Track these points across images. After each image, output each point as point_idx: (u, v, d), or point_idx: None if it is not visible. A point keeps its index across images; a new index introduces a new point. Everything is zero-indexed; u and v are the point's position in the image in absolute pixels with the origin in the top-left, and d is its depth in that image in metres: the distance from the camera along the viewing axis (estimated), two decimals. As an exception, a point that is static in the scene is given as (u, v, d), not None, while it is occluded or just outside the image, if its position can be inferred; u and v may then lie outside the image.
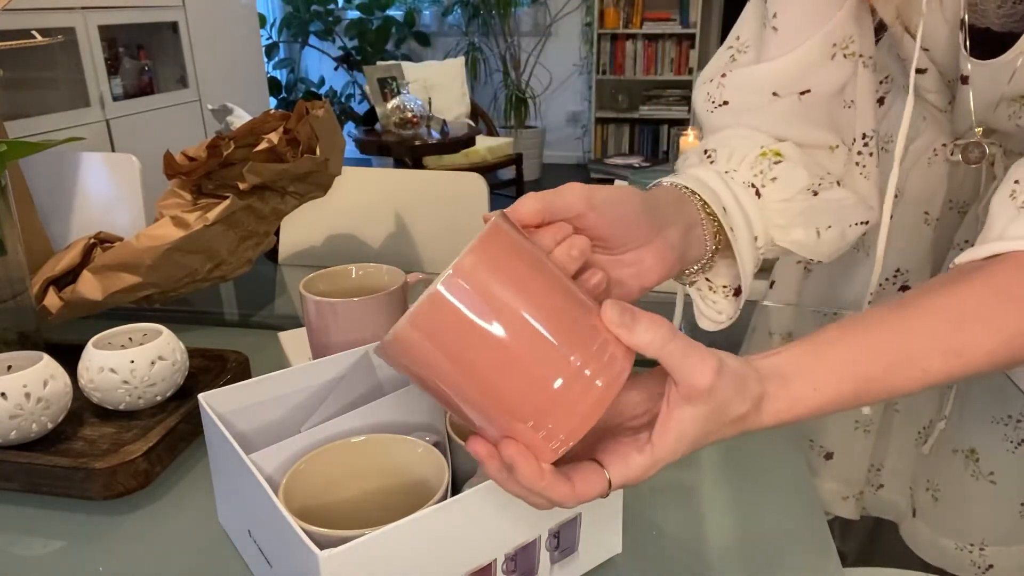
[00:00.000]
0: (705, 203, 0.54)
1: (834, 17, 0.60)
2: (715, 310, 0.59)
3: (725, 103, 0.63)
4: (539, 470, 0.37)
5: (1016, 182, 0.48)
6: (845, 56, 0.61)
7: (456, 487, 0.48)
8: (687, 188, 0.54)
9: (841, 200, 0.62)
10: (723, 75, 0.63)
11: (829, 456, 0.86)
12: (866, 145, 0.65)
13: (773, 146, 0.59)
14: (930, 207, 0.76)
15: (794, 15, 0.60)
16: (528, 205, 0.42)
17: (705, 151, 0.62)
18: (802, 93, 0.61)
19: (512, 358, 0.35)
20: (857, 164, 0.66)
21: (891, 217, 0.75)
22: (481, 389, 0.36)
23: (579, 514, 0.49)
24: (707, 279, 0.59)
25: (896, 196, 0.74)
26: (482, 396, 0.36)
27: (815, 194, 0.60)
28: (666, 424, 0.38)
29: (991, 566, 0.73)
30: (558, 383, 0.35)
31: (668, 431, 0.38)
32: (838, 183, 0.62)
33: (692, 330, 0.86)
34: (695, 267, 0.56)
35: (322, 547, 0.38)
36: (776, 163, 0.58)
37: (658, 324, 0.37)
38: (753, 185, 0.58)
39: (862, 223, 0.63)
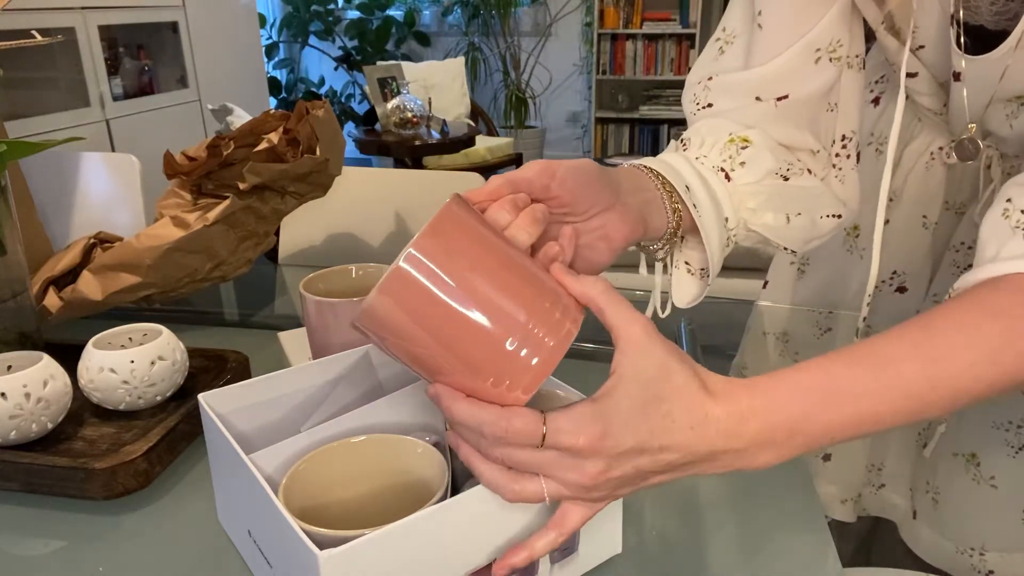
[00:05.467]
0: (665, 180, 0.56)
1: (820, 21, 0.61)
2: (681, 289, 0.62)
3: (709, 105, 0.65)
4: (455, 393, 0.40)
5: (1008, 201, 0.47)
6: (831, 60, 0.63)
7: (456, 487, 0.49)
8: (645, 167, 0.57)
9: (810, 188, 0.63)
10: (710, 78, 0.65)
11: (827, 458, 0.86)
12: (844, 147, 0.67)
13: (741, 133, 0.61)
14: (928, 210, 0.75)
15: (777, 15, 0.62)
16: (493, 183, 0.46)
17: (680, 140, 0.64)
18: (779, 99, 0.63)
19: (467, 324, 0.39)
20: (834, 167, 0.67)
21: (887, 221, 0.75)
22: (442, 353, 0.40)
23: None
24: (685, 262, 0.62)
25: (892, 200, 0.75)
26: (444, 360, 0.40)
27: (785, 179, 0.62)
28: (610, 377, 0.40)
29: (991, 572, 0.73)
30: (510, 344, 0.39)
31: (611, 383, 0.40)
32: (809, 171, 0.64)
33: (693, 344, 0.86)
34: (660, 242, 0.58)
35: (322, 547, 0.38)
36: (743, 148, 0.60)
37: (598, 279, 0.42)
38: (722, 169, 0.60)
39: (834, 216, 0.65)
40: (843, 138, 0.67)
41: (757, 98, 0.63)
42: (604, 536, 0.52)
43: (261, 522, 0.46)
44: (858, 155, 0.69)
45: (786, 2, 0.62)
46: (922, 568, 0.78)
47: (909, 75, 0.68)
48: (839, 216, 0.65)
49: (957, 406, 0.42)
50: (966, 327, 0.41)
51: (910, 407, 0.41)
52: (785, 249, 0.64)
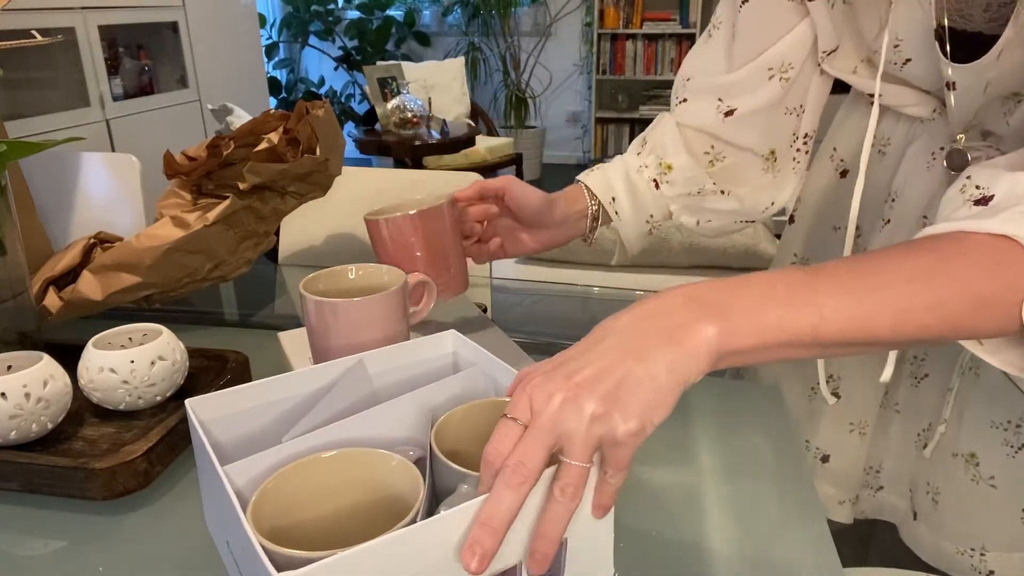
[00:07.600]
0: (593, 195, 0.81)
1: (776, 43, 0.72)
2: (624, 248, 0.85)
3: (684, 100, 0.82)
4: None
5: (968, 178, 0.52)
6: (781, 80, 0.74)
7: (439, 502, 0.47)
8: (584, 184, 0.82)
9: (720, 208, 0.83)
10: (688, 79, 0.81)
11: (825, 459, 0.86)
12: (805, 143, 0.81)
13: (668, 160, 0.82)
14: (929, 211, 0.75)
15: (745, 34, 0.75)
16: (474, 187, 0.77)
17: (643, 139, 0.85)
18: (727, 114, 0.78)
19: (419, 252, 0.74)
20: (794, 159, 0.81)
21: (888, 221, 0.75)
22: (416, 257, 0.74)
23: (564, 539, 0.45)
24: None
25: (894, 199, 0.75)
26: (416, 260, 0.74)
27: (700, 194, 0.82)
28: None
29: (992, 572, 0.73)
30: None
31: None
32: (723, 192, 0.82)
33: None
34: (588, 234, 0.83)
35: (281, 569, 0.36)
36: (665, 174, 0.82)
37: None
38: (655, 180, 0.83)
39: (744, 222, 0.85)
40: (805, 136, 0.80)
41: (719, 99, 0.78)
42: (592, 562, 0.48)
43: (234, 536, 0.44)
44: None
45: (752, 19, 0.73)
46: (922, 569, 0.78)
47: (871, 95, 0.70)
48: (751, 222, 0.85)
49: (903, 330, 0.44)
50: (903, 256, 0.46)
51: (855, 311, 0.44)
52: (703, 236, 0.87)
